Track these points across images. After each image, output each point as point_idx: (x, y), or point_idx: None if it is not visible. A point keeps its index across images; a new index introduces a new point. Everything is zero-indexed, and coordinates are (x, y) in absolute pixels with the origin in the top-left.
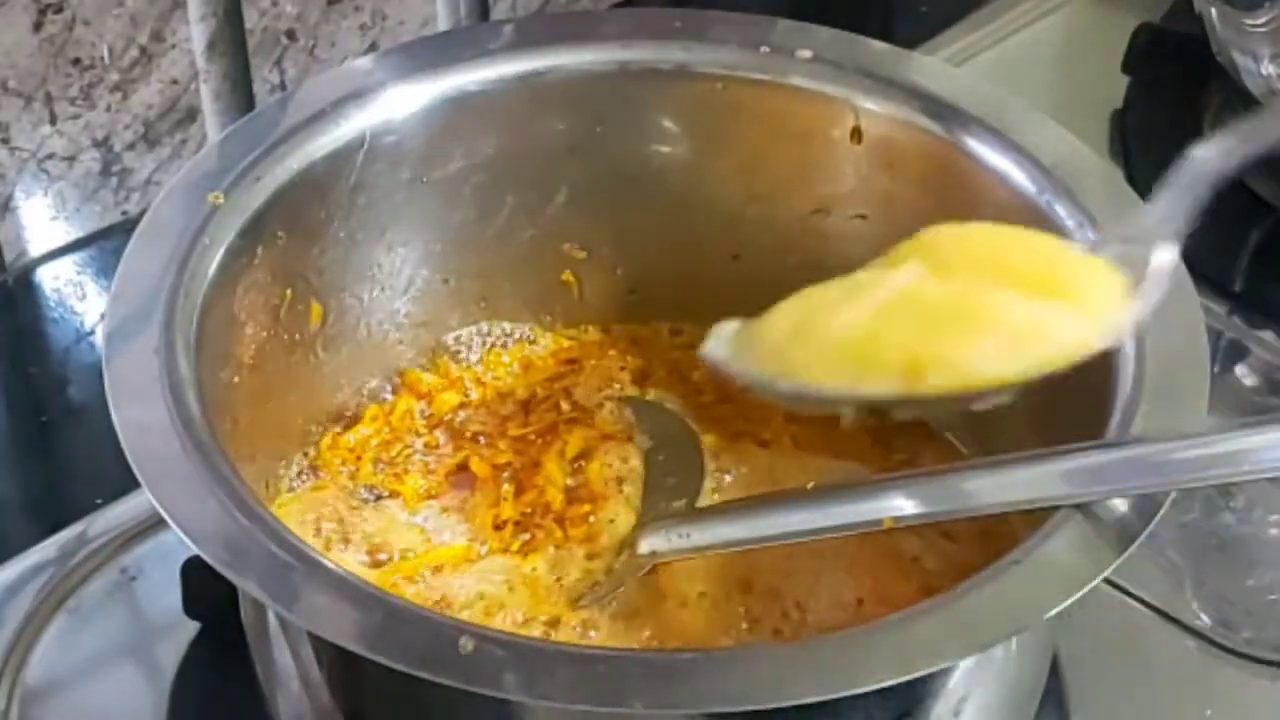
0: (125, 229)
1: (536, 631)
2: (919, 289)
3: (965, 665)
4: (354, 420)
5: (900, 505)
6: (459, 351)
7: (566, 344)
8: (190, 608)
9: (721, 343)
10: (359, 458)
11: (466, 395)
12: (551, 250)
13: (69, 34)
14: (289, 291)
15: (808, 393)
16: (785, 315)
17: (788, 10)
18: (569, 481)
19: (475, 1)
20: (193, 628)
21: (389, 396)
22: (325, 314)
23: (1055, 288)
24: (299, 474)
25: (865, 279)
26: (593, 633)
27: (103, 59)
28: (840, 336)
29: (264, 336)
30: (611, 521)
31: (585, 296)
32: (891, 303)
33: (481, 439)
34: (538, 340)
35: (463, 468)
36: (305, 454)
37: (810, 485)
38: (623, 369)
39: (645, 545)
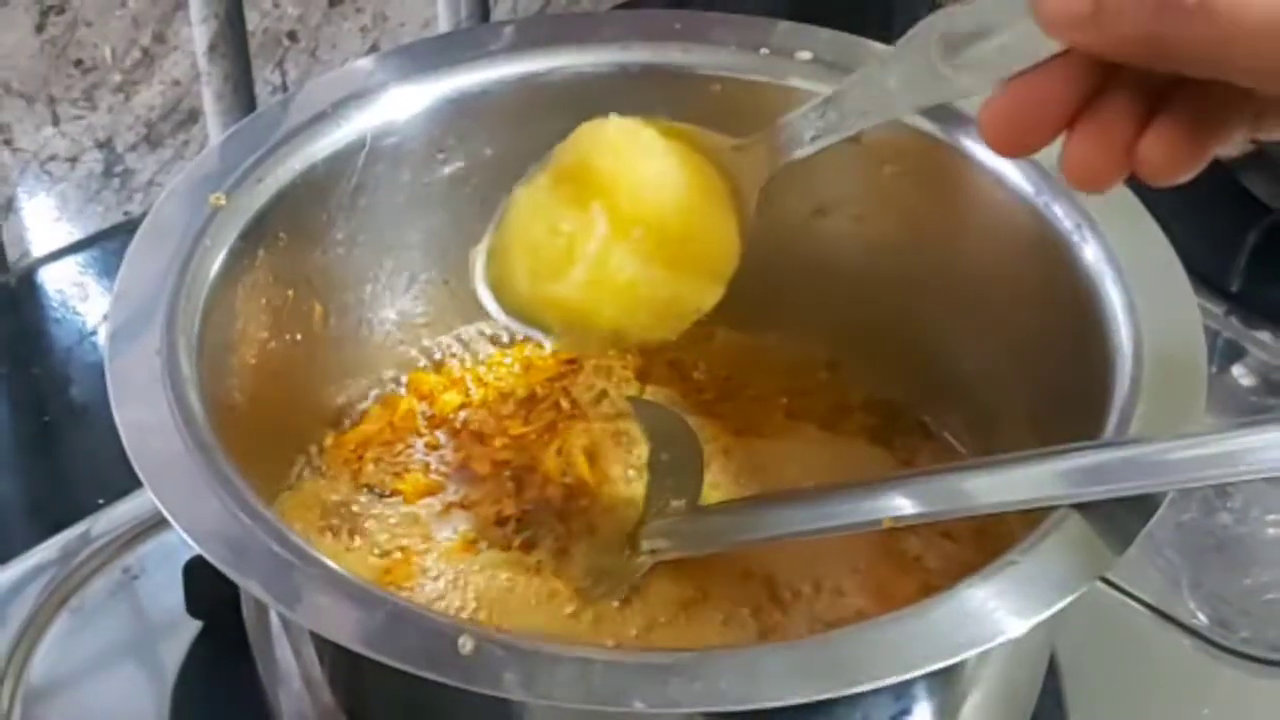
0: (127, 230)
1: (537, 630)
2: (608, 261)
3: (965, 665)
4: (356, 420)
5: (900, 505)
6: (460, 351)
7: None
8: (192, 607)
9: (482, 281)
10: (361, 457)
11: (468, 395)
12: None
13: (71, 35)
14: (290, 292)
15: (550, 341)
16: (519, 263)
17: (788, 11)
18: (569, 480)
19: (476, 3)
20: (195, 627)
21: (391, 396)
22: (327, 314)
23: (695, 259)
24: (301, 474)
25: (568, 227)
26: (593, 632)
27: (105, 60)
28: (564, 309)
29: (266, 337)
30: (612, 520)
31: None
32: (591, 279)
33: (482, 438)
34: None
35: (464, 465)
36: (307, 454)
37: (810, 485)
38: (623, 368)
39: (646, 544)
